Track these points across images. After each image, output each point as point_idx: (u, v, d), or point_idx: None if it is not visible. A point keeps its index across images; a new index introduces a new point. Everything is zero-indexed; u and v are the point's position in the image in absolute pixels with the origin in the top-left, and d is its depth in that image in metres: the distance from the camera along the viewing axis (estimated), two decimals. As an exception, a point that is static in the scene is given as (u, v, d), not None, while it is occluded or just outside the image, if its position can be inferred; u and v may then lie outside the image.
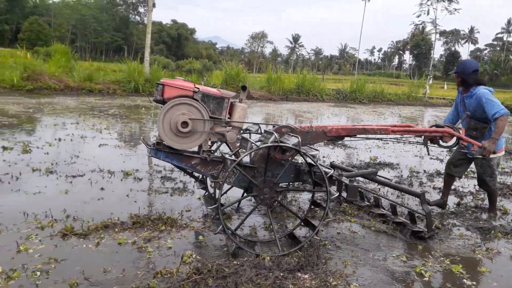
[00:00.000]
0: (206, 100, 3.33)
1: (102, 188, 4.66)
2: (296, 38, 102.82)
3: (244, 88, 3.49)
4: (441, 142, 3.93)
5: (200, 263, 2.92)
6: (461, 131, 3.91)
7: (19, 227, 3.47)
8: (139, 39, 71.22)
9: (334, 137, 3.63)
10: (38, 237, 3.29)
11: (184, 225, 3.76)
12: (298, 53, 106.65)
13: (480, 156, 4.00)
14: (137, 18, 79.27)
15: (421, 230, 3.70)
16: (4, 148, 6.11)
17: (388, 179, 4.34)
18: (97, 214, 3.83)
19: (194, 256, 3.10)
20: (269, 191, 3.25)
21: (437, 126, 4.02)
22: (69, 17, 69.07)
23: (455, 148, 4.17)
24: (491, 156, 4.04)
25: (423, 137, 3.94)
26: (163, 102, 3.29)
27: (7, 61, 18.99)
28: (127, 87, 16.40)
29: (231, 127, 3.41)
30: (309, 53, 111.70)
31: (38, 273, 2.74)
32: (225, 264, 2.90)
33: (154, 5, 19.26)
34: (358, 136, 3.73)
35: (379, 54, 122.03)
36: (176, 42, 78.30)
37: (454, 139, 3.88)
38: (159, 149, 3.35)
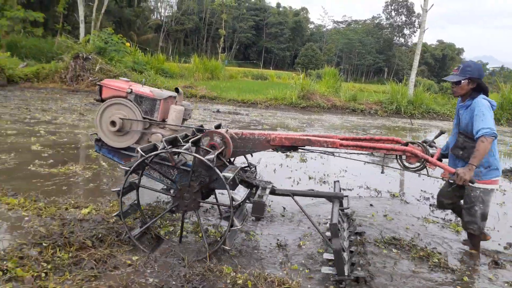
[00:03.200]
0: (140, 101, 3.47)
1: (371, 205, 4.83)
2: None
3: (177, 90, 3.57)
4: (405, 163, 3.32)
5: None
6: (435, 151, 3.38)
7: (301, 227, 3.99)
8: (400, 61, 70.70)
9: (279, 146, 3.32)
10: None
11: (443, 263, 3.44)
12: None
13: (452, 182, 3.19)
14: (401, 40, 78.89)
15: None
16: (287, 156, 7.18)
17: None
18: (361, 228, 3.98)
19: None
20: (189, 196, 3.10)
21: (412, 143, 3.42)
22: (337, 42, 75.53)
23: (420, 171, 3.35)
24: (474, 185, 3.23)
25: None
26: (102, 101, 3.55)
27: (287, 82, 22.47)
28: (389, 108, 16.49)
29: (164, 128, 3.51)
30: None
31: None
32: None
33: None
34: (305, 148, 3.42)
35: None
36: (440, 63, 73.53)
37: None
38: (101, 145, 3.62)
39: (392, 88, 17.42)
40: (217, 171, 2.89)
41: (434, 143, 3.54)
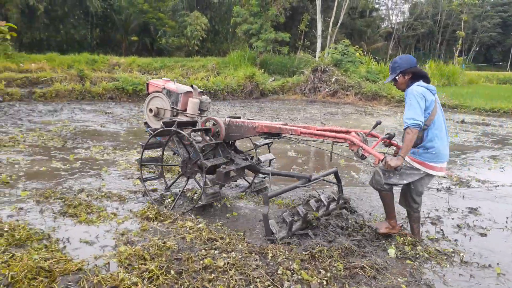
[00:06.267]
0: (169, 94, 4.59)
1: None
2: None
3: (192, 86, 4.57)
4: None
5: None
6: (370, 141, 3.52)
7: None
8: None
9: (262, 133, 4.02)
10: None
11: None
12: None
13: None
14: None
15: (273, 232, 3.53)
16: None
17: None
18: None
19: None
20: (191, 167, 4.10)
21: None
22: None
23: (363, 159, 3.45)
24: (412, 164, 3.37)
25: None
26: (148, 95, 4.77)
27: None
28: None
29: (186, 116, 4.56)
30: None
31: None
32: None
33: None
34: (281, 135, 4.03)
35: None
36: None
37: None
38: (148, 127, 4.68)
39: None
40: (192, 141, 3.80)
41: (388, 136, 3.55)
